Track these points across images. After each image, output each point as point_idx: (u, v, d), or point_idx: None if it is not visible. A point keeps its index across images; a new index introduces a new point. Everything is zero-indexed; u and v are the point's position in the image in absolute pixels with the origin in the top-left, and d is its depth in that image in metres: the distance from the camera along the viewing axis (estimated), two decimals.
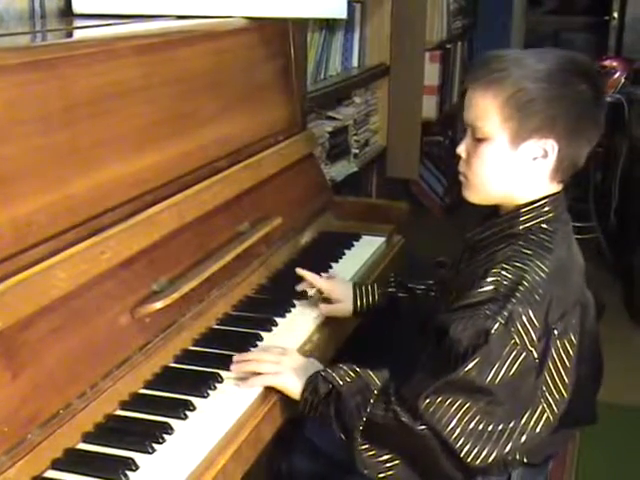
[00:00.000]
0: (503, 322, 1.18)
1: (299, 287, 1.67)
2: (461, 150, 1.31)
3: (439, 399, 1.19)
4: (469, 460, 1.19)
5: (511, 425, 1.20)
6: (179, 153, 1.59)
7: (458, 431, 1.18)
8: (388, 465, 1.24)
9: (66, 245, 1.25)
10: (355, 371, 1.31)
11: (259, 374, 1.34)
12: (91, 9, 1.81)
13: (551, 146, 1.25)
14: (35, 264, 1.18)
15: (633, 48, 5.35)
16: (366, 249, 1.99)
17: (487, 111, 1.26)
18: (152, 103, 1.51)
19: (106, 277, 1.30)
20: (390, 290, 1.65)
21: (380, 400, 1.25)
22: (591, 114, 1.27)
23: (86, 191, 1.33)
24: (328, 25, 3.08)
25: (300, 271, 1.65)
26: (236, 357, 1.38)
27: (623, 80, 3.86)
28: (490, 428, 1.19)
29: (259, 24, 1.88)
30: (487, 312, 1.19)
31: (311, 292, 1.68)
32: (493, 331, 1.18)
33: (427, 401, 1.19)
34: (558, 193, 1.31)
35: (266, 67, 1.98)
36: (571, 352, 1.24)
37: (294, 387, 1.32)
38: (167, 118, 1.56)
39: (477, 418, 1.19)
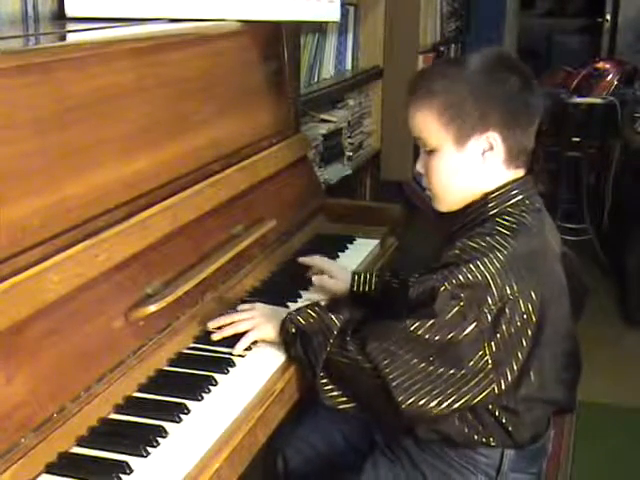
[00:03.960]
0: (453, 283, 1.24)
1: (308, 274, 1.73)
2: (419, 167, 1.41)
3: (385, 343, 1.27)
4: (399, 400, 1.25)
5: (449, 378, 1.25)
6: (173, 156, 1.59)
7: (396, 374, 1.26)
8: (344, 399, 1.34)
9: (60, 248, 1.25)
10: (317, 312, 1.40)
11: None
12: (84, 12, 1.80)
13: (493, 138, 1.32)
14: (29, 267, 1.17)
15: (626, 50, 5.38)
16: (360, 251, 2.00)
17: (427, 123, 1.34)
18: (146, 106, 1.51)
19: (100, 280, 1.30)
20: (386, 278, 1.69)
21: (338, 339, 1.33)
22: (522, 100, 1.33)
23: (80, 194, 1.33)
24: (321, 28, 3.08)
25: (302, 259, 1.75)
26: (210, 324, 1.46)
27: (616, 82, 3.87)
28: (427, 378, 1.25)
29: (252, 27, 1.88)
30: (441, 274, 1.26)
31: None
32: (442, 289, 1.24)
33: (374, 344, 1.27)
34: (523, 177, 1.37)
35: (260, 70, 1.99)
36: (529, 331, 1.28)
37: (272, 334, 1.43)
38: (161, 121, 1.56)
39: (419, 366, 1.25)
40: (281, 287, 1.73)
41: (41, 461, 1.11)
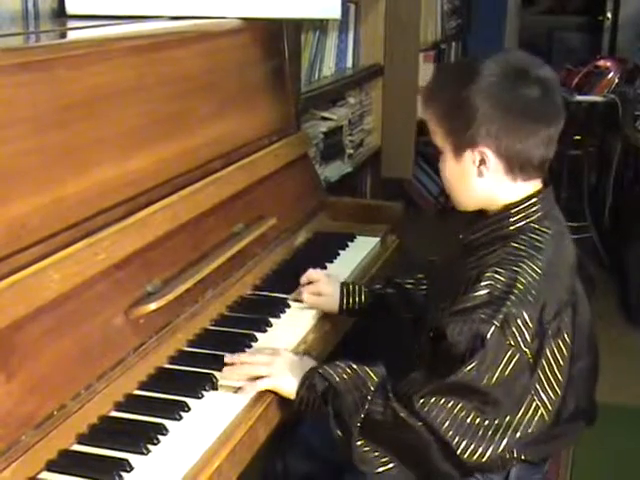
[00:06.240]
0: (498, 325, 1.20)
1: (291, 296, 1.67)
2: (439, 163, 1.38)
3: (434, 399, 1.21)
4: (466, 456, 1.21)
5: (505, 422, 1.23)
6: (173, 154, 1.59)
7: (454, 429, 1.21)
8: (384, 460, 1.26)
9: (60, 246, 1.25)
10: (351, 368, 1.32)
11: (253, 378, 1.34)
12: (85, 10, 1.81)
13: (484, 152, 1.28)
14: (29, 265, 1.17)
15: (626, 48, 5.36)
16: (361, 249, 1.99)
17: (434, 127, 1.34)
18: (146, 104, 1.51)
19: (100, 278, 1.30)
20: (377, 287, 1.66)
21: (378, 397, 1.26)
22: (526, 111, 1.27)
23: (80, 192, 1.33)
24: (322, 26, 3.08)
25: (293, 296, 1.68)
26: (227, 358, 1.37)
27: (617, 80, 3.87)
28: (485, 425, 1.22)
29: (253, 25, 1.88)
30: (482, 316, 1.21)
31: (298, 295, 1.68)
32: (489, 335, 1.20)
33: (422, 400, 1.22)
34: (543, 190, 1.33)
35: (260, 68, 1.98)
36: (565, 352, 1.27)
37: (288, 386, 1.33)
38: (161, 119, 1.56)
39: (472, 416, 1.21)
40: (281, 285, 1.73)
41: (42, 459, 1.11)
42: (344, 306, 1.63)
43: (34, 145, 1.24)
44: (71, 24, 1.74)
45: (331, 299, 1.63)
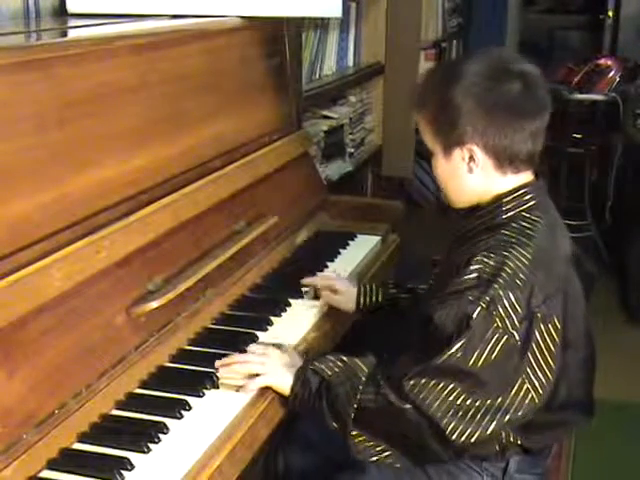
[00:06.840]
0: (485, 306, 1.22)
1: (303, 281, 1.71)
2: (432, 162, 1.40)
3: (423, 381, 1.24)
4: (454, 437, 1.23)
5: (494, 403, 1.24)
6: (174, 152, 1.59)
7: (443, 410, 1.23)
8: (379, 449, 1.29)
9: (61, 244, 1.25)
10: (342, 360, 1.35)
11: (249, 377, 1.35)
12: (85, 8, 1.81)
13: (472, 150, 1.31)
14: (31, 263, 1.18)
15: (628, 47, 5.36)
16: (361, 248, 2.00)
17: (423, 128, 1.36)
18: (147, 102, 1.51)
19: (101, 276, 1.30)
20: (392, 292, 1.68)
21: (369, 385, 1.29)
22: (510, 107, 1.29)
23: (81, 190, 1.33)
24: (323, 24, 3.07)
25: (305, 281, 1.72)
26: (218, 362, 1.37)
27: (618, 79, 3.86)
28: (473, 406, 1.23)
29: (254, 23, 1.88)
30: (470, 297, 1.24)
31: (306, 289, 1.70)
32: (475, 315, 1.22)
33: (412, 382, 1.24)
34: (534, 181, 1.35)
35: (261, 66, 1.98)
36: (555, 336, 1.27)
37: (284, 383, 1.35)
38: (162, 117, 1.56)
39: (461, 398, 1.23)
40: (282, 283, 1.73)
41: (43, 457, 1.11)
42: (360, 305, 1.66)
43: (35, 143, 1.24)
44: (72, 23, 1.74)
45: (347, 297, 1.66)
